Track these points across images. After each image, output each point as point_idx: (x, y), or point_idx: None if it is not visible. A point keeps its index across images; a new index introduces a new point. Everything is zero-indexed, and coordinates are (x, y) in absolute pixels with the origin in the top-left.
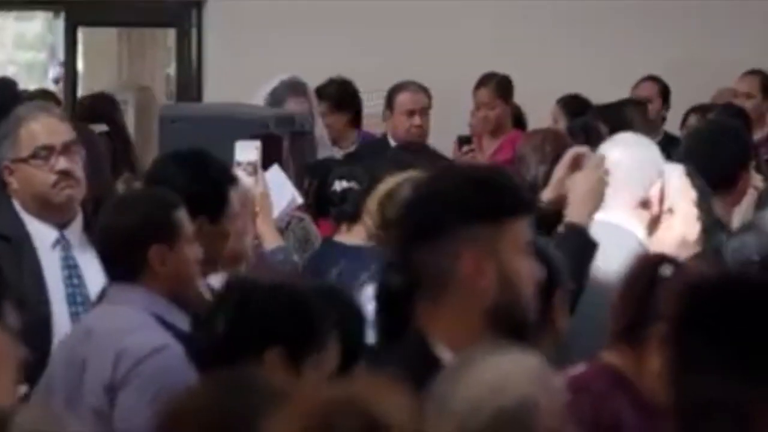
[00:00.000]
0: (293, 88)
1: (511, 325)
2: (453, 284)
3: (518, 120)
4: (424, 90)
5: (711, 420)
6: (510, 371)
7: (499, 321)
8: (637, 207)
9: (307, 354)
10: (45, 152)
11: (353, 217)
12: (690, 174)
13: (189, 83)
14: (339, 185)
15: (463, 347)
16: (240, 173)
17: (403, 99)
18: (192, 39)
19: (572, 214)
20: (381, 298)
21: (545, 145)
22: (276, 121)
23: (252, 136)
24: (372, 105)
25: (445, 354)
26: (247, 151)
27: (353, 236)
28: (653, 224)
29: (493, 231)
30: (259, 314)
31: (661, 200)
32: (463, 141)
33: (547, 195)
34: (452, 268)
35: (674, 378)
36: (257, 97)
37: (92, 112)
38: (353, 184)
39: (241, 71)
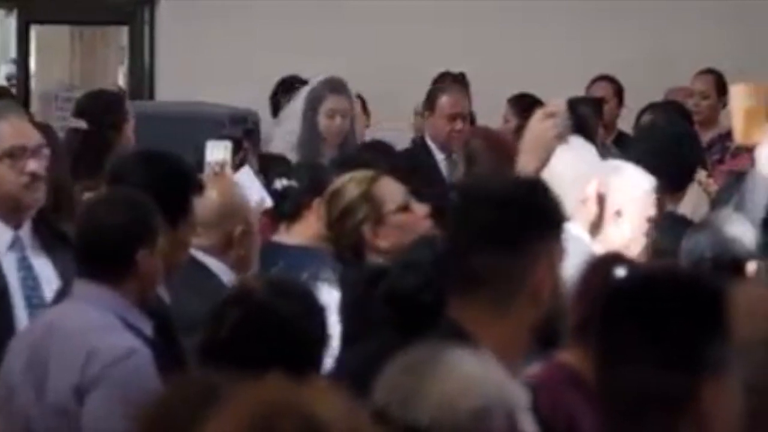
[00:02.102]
0: (333, 86)
1: (549, 334)
2: (520, 293)
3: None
4: (466, 92)
5: (645, 412)
6: (477, 371)
7: (541, 331)
8: (577, 205)
9: None
10: (18, 153)
11: (293, 216)
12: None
13: (141, 81)
14: (279, 183)
15: (514, 358)
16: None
17: (445, 102)
18: (144, 37)
19: (520, 164)
20: (392, 298)
21: (474, 142)
22: (230, 119)
23: (221, 136)
24: None
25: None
26: (217, 151)
27: (293, 236)
28: (595, 225)
29: (556, 242)
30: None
31: (601, 200)
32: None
33: None
34: (523, 277)
35: (606, 373)
36: (297, 98)
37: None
38: (293, 183)
39: (193, 69)
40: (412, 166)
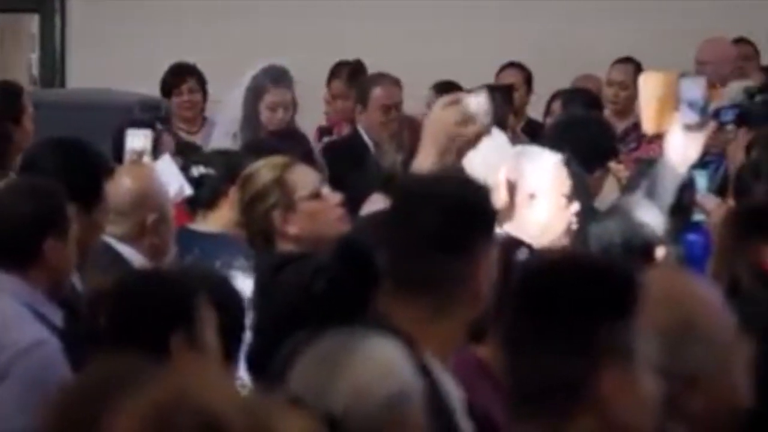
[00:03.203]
0: (275, 77)
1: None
2: (462, 294)
3: None
4: (398, 83)
5: (544, 399)
6: (391, 358)
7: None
8: None
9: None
10: None
11: (209, 204)
12: (566, 161)
13: (52, 70)
14: (196, 171)
15: (451, 355)
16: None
17: (379, 94)
18: (55, 25)
19: (421, 153)
20: (333, 290)
21: (403, 132)
22: (141, 106)
23: (134, 123)
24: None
25: (432, 361)
26: (137, 139)
27: (209, 223)
28: (506, 211)
29: (493, 242)
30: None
31: (512, 186)
32: (323, 131)
33: None
34: (465, 279)
35: (508, 360)
36: (239, 85)
37: None
38: (210, 171)
39: (104, 58)
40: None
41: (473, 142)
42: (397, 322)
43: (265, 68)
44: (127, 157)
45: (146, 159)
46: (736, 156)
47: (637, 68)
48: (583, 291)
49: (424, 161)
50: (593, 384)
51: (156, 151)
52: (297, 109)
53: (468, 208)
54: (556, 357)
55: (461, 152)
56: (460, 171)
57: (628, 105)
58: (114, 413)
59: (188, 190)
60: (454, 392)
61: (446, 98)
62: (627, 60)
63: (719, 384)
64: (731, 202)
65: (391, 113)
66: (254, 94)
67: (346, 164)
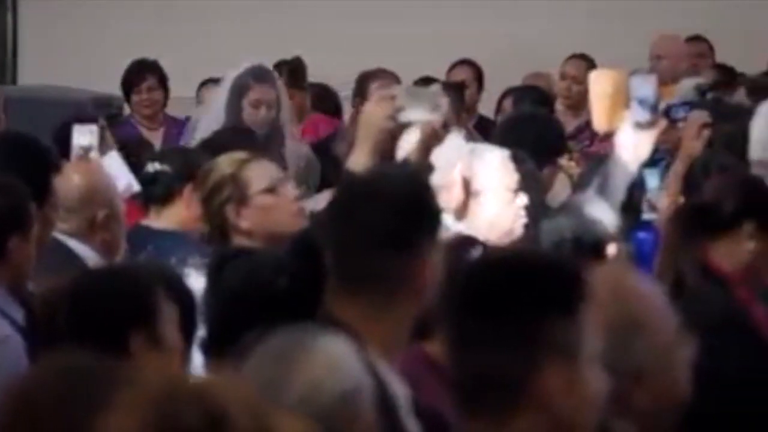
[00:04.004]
0: (258, 75)
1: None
2: (407, 291)
3: (335, 104)
4: (396, 78)
5: (486, 395)
6: (343, 355)
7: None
8: (440, 191)
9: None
10: None
11: (164, 201)
12: (519, 158)
13: (4, 65)
14: (151, 167)
15: (396, 352)
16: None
17: (378, 88)
18: (7, 21)
19: (354, 151)
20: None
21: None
22: (93, 102)
23: (78, 119)
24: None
25: (377, 358)
26: (84, 135)
27: (163, 220)
28: (461, 209)
29: (437, 238)
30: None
31: (467, 184)
32: None
33: None
34: (410, 275)
35: (454, 357)
36: (222, 84)
37: None
38: (165, 167)
39: (57, 53)
40: None
41: (400, 135)
42: (342, 320)
43: (248, 67)
44: (74, 153)
45: (93, 155)
46: (689, 144)
47: (590, 66)
48: (526, 288)
49: (359, 157)
50: (536, 381)
51: (101, 147)
52: (282, 108)
53: (411, 205)
54: (500, 354)
55: (394, 147)
56: (399, 166)
57: (581, 101)
58: (106, 409)
59: (136, 186)
60: (399, 390)
61: (379, 93)
62: (581, 56)
63: (663, 379)
64: (682, 199)
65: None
66: (237, 92)
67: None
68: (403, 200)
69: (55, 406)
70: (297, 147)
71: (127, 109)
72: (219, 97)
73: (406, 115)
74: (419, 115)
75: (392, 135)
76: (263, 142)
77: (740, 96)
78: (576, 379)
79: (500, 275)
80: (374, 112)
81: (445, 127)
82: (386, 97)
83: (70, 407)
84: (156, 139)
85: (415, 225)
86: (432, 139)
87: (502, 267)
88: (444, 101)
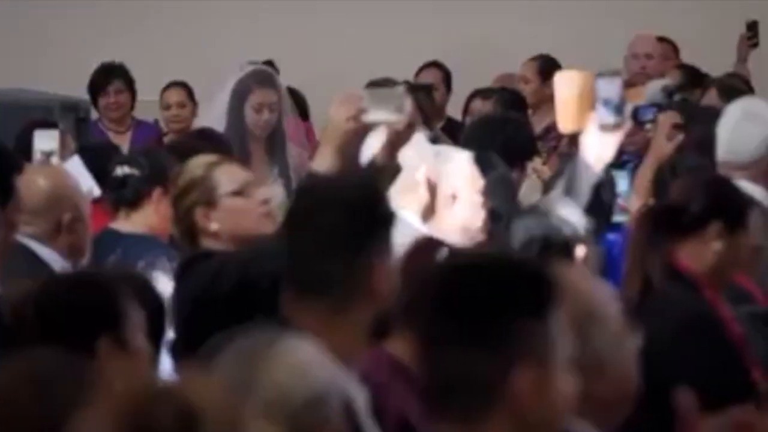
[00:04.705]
0: (260, 79)
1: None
2: (362, 294)
3: (303, 108)
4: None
5: (455, 395)
6: (311, 360)
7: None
8: (403, 192)
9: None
10: None
11: (133, 204)
12: (489, 161)
13: None
14: (120, 170)
15: (354, 355)
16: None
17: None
18: None
19: (318, 154)
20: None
21: None
22: (60, 106)
23: (38, 123)
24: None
25: (334, 362)
26: (45, 140)
27: (131, 224)
28: (428, 210)
29: (390, 240)
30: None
31: (433, 187)
32: None
33: None
34: (365, 278)
35: (422, 359)
36: (223, 88)
37: None
38: (134, 170)
39: (23, 57)
40: None
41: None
42: (299, 324)
43: (250, 71)
44: (36, 157)
45: (54, 160)
46: (660, 146)
47: (543, 64)
48: (496, 290)
49: (323, 159)
50: (506, 383)
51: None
52: (284, 111)
53: (361, 209)
54: (470, 356)
55: (356, 148)
56: (362, 169)
57: (536, 101)
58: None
59: (97, 191)
60: (357, 394)
61: (340, 95)
62: (537, 57)
63: (619, 369)
64: (651, 201)
65: None
66: (239, 96)
67: None
68: (353, 205)
69: (29, 406)
70: (300, 152)
71: (94, 113)
72: (220, 101)
73: (370, 117)
74: (383, 116)
75: (357, 136)
76: (268, 146)
77: (712, 97)
78: (546, 382)
79: (470, 277)
80: (337, 114)
81: (411, 128)
82: (349, 99)
83: (45, 407)
84: (124, 142)
85: (367, 229)
86: (397, 140)
87: (472, 268)
88: (408, 102)
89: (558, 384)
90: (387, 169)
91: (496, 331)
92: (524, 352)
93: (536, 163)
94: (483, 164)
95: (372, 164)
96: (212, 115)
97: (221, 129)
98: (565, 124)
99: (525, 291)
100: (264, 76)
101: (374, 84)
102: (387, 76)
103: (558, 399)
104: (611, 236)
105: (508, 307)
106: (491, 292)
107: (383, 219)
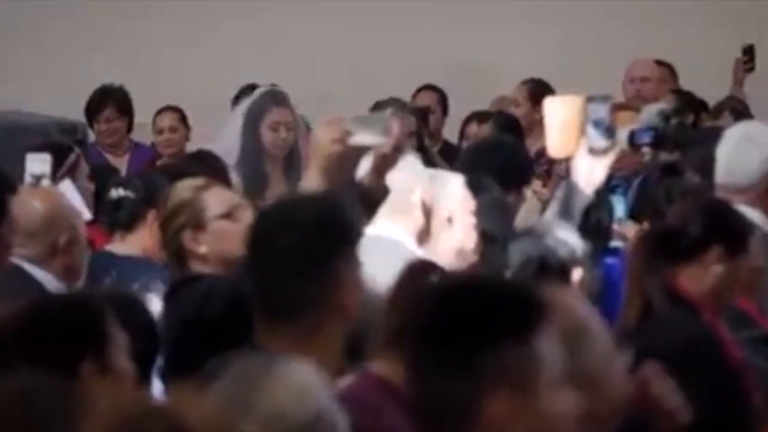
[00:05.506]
0: (275, 98)
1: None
2: (329, 313)
3: None
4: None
5: (436, 419)
6: (307, 382)
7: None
8: (398, 215)
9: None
10: None
11: (128, 227)
12: (484, 185)
13: None
14: (115, 193)
15: (329, 376)
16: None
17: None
18: None
19: (306, 176)
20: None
21: None
22: (58, 128)
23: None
24: None
25: None
26: (37, 164)
27: (127, 246)
28: (423, 234)
29: (356, 257)
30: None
31: (428, 208)
32: None
33: None
34: (331, 297)
35: (412, 383)
36: (235, 111)
37: None
38: (129, 193)
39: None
40: None
41: (353, 159)
42: (274, 351)
43: (264, 91)
44: (27, 181)
45: (45, 183)
46: None
47: (533, 87)
48: (473, 316)
49: (309, 181)
50: (484, 408)
51: (75, 174)
52: (300, 133)
53: (320, 228)
54: (450, 380)
55: (343, 170)
56: (348, 189)
57: (524, 123)
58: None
59: (87, 215)
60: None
61: (327, 117)
62: (525, 81)
63: (608, 385)
64: (647, 225)
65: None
66: (254, 118)
67: None
68: (311, 225)
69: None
70: None
71: (92, 135)
72: (233, 123)
73: (356, 139)
74: (369, 139)
75: (345, 158)
76: (285, 165)
77: (726, 119)
78: (528, 407)
79: (450, 302)
80: (322, 136)
81: (398, 151)
82: (334, 121)
83: (38, 426)
84: (121, 164)
85: (327, 247)
86: (383, 162)
87: (454, 294)
88: (395, 125)
89: (544, 405)
90: (374, 192)
91: (474, 357)
92: (500, 376)
93: (536, 185)
94: (475, 187)
95: (358, 186)
96: (224, 139)
97: (235, 152)
98: (554, 149)
99: (505, 315)
100: (279, 96)
101: (380, 105)
102: (386, 98)
103: (544, 421)
104: (610, 260)
105: (485, 332)
106: (468, 318)
107: (345, 236)
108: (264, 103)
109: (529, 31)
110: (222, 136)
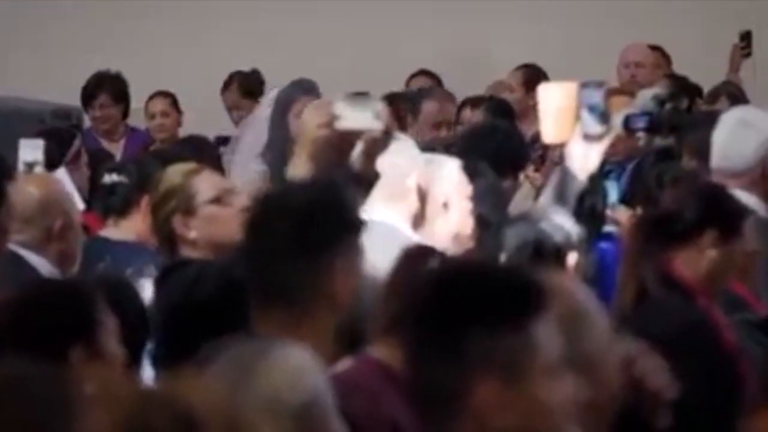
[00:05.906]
0: (304, 88)
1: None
2: (324, 299)
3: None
4: (451, 96)
5: (428, 405)
6: (301, 366)
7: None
8: (393, 200)
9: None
10: None
11: (121, 212)
12: (479, 170)
13: None
14: (109, 178)
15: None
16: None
17: (431, 108)
18: None
19: (294, 162)
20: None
21: None
22: (52, 114)
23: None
24: None
25: None
26: (29, 151)
27: (120, 231)
28: (418, 218)
29: (355, 244)
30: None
31: (423, 194)
32: (220, 141)
33: None
34: (326, 283)
35: (409, 369)
36: (263, 100)
37: None
38: (123, 178)
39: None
40: None
41: (342, 143)
42: (264, 334)
43: (293, 81)
44: (20, 168)
45: (38, 170)
46: None
47: (527, 73)
48: (462, 303)
49: (297, 166)
50: (470, 395)
51: (78, 161)
52: None
53: (315, 215)
54: (439, 366)
55: (332, 154)
56: (338, 175)
57: (518, 109)
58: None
59: (80, 204)
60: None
61: (315, 102)
62: (519, 67)
63: (607, 370)
64: (639, 210)
65: (441, 130)
66: (282, 107)
67: None
68: (307, 211)
69: (24, 411)
70: None
71: (87, 121)
72: (261, 113)
73: (345, 123)
74: (359, 123)
75: (336, 142)
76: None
77: (722, 104)
78: (521, 395)
79: (448, 288)
80: (308, 121)
81: (387, 135)
82: (321, 106)
83: (41, 413)
84: (117, 150)
85: (322, 233)
86: (373, 147)
87: (447, 280)
88: (384, 109)
89: (539, 394)
90: (364, 175)
91: (461, 343)
92: (489, 363)
93: (529, 171)
94: (471, 172)
95: (348, 171)
96: (252, 128)
97: (263, 141)
98: (549, 135)
99: (503, 301)
100: (308, 85)
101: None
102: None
103: (538, 409)
104: (603, 245)
105: (478, 318)
106: (462, 305)
107: (342, 223)
108: (293, 92)
109: (529, 30)
110: (249, 126)
